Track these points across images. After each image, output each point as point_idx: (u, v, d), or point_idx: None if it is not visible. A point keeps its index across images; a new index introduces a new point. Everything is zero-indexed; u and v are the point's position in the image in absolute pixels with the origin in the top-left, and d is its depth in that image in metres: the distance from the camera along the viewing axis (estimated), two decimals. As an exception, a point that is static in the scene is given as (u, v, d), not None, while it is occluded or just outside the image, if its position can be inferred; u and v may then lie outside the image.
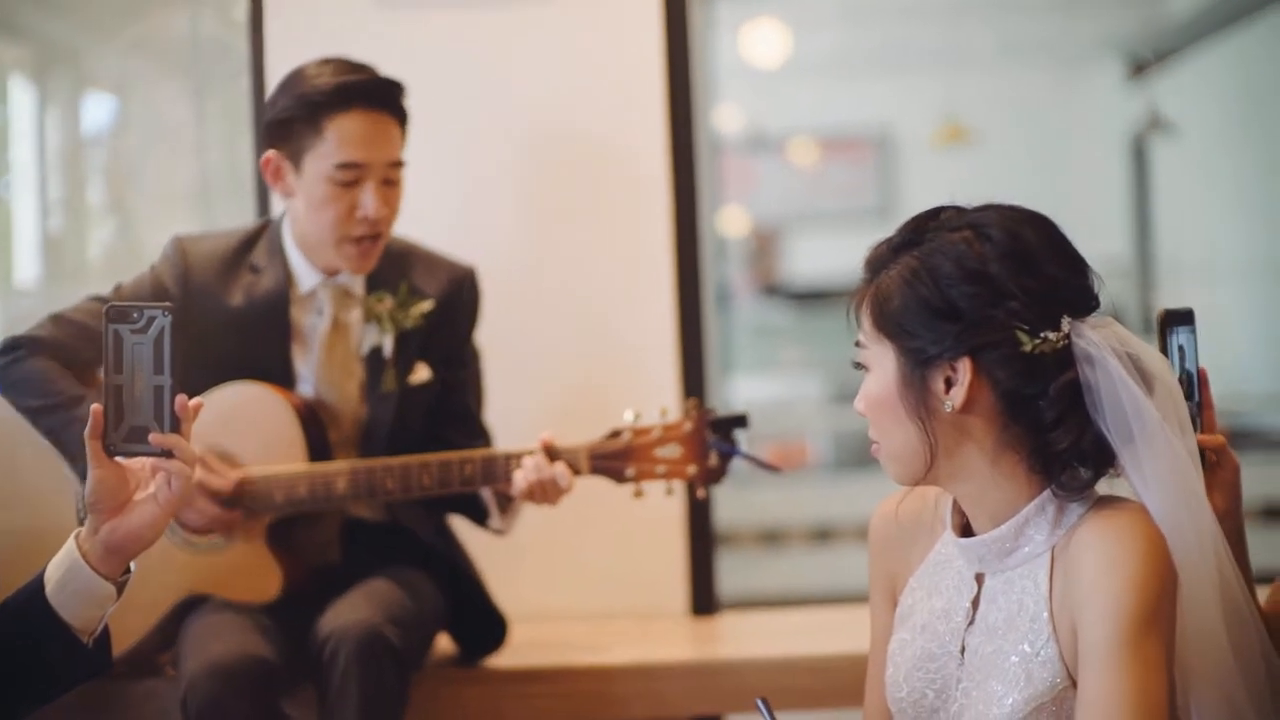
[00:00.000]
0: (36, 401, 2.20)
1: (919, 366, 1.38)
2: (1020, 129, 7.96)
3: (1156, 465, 1.36)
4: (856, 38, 7.50)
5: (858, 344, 1.44)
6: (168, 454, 1.46)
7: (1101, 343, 1.36)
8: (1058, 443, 1.36)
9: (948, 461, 1.40)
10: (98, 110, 3.29)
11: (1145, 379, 1.37)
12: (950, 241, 1.38)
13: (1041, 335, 1.36)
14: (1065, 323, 1.37)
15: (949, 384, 1.37)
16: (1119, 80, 7.91)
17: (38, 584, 1.47)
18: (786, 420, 6.97)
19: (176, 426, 1.46)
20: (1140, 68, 7.47)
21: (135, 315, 1.44)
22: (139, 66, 3.13)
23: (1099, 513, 1.37)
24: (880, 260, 1.42)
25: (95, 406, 1.44)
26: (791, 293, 8.04)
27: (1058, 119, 8.08)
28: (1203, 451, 1.67)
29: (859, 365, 1.44)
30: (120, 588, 1.48)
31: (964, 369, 1.36)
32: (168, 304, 1.47)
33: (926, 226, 1.41)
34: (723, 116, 7.27)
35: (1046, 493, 1.38)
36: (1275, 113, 6.34)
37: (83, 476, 2.17)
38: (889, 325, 1.39)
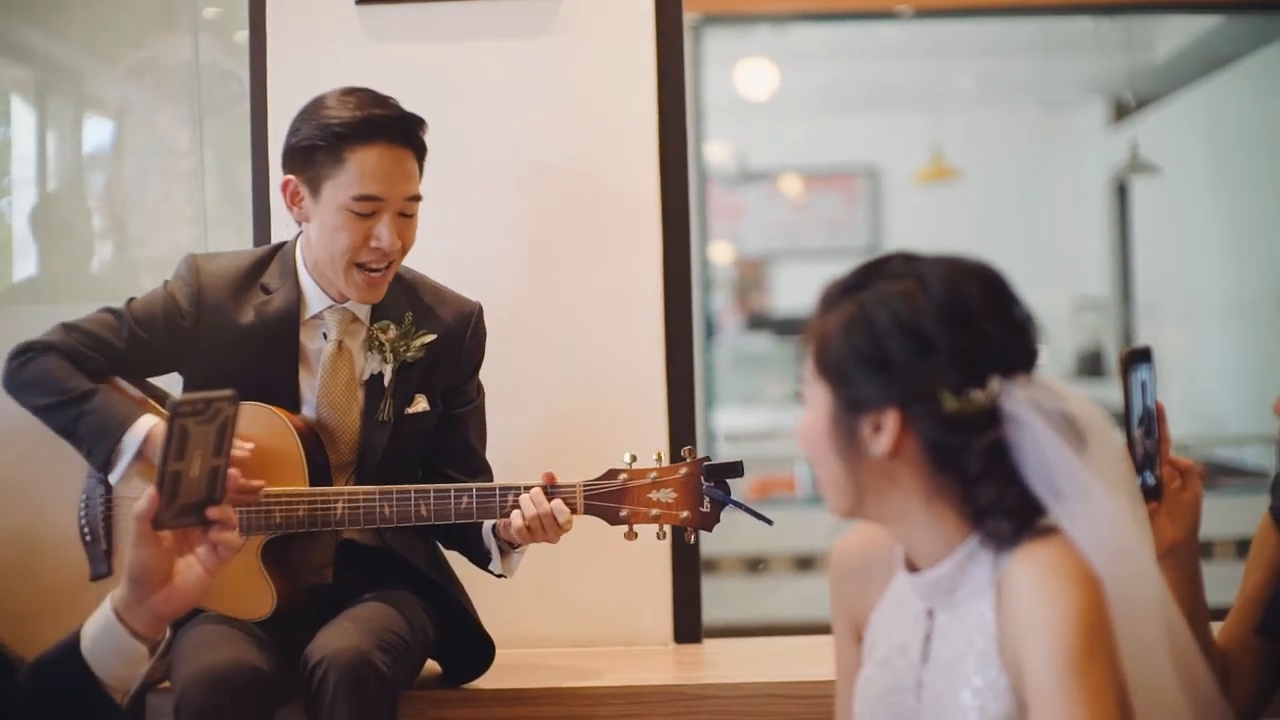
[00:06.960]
0: (48, 399, 2.23)
1: (849, 411, 1.40)
2: (1004, 168, 8.03)
3: (1092, 522, 1.37)
4: (845, 75, 7.56)
5: (801, 377, 1.47)
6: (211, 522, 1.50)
7: (1030, 403, 1.36)
8: (981, 496, 1.37)
9: (876, 501, 1.42)
10: (98, 133, 3.31)
11: (1079, 436, 1.37)
12: (891, 292, 1.39)
13: (966, 394, 1.36)
14: (994, 382, 1.37)
15: (876, 431, 1.39)
16: (1101, 122, 8.01)
17: (73, 642, 1.50)
18: (773, 450, 7.00)
19: (223, 499, 1.51)
20: (1122, 110, 7.57)
21: (203, 407, 1.45)
22: (140, 90, 3.16)
23: (1031, 547, 1.37)
24: (830, 300, 1.43)
25: (151, 491, 1.46)
26: (777, 324, 8.10)
27: (1041, 159, 8.15)
28: (1159, 484, 1.71)
29: (801, 396, 1.47)
30: (153, 648, 1.52)
31: (890, 419, 1.38)
32: (231, 393, 1.47)
33: (873, 273, 1.42)
34: (712, 150, 7.32)
35: (978, 536, 1.39)
36: (1253, 155, 6.39)
37: (98, 466, 2.22)
38: (825, 368, 1.41)
